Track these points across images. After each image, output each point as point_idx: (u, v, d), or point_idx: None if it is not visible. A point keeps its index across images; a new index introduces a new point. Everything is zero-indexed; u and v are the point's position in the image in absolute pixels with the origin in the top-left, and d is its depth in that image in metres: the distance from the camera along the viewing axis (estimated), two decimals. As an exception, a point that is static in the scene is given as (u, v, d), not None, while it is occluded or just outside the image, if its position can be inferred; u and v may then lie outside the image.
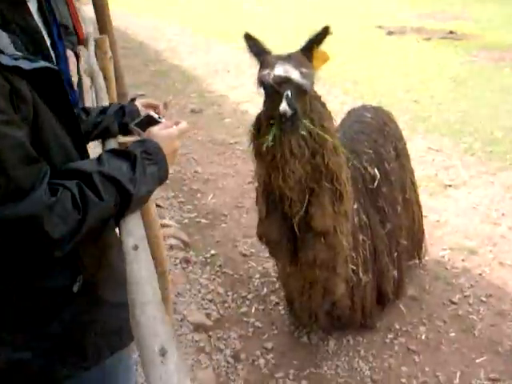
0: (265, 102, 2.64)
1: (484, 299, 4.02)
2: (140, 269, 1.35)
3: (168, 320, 1.23)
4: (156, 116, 1.86)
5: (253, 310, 4.05)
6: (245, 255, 4.71)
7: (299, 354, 3.61)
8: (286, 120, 2.41)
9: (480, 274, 4.29)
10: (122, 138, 1.92)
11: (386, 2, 19.51)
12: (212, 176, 6.31)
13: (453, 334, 3.69)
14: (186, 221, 5.29)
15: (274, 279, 4.36)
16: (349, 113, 4.02)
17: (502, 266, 4.41)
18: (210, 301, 4.11)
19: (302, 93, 2.52)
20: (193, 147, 7.13)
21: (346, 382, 3.39)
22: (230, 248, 4.83)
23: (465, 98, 8.77)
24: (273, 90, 2.48)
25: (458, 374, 3.39)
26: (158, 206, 5.11)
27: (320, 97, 2.78)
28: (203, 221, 5.30)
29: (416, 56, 11.55)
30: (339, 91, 9.56)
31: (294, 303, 3.57)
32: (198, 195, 5.85)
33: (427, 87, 9.52)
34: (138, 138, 1.77)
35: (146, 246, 1.47)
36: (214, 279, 4.39)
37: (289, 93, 2.40)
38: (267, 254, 4.61)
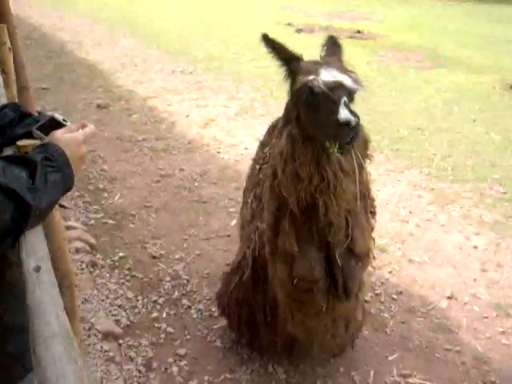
0: (307, 113, 2.31)
1: (395, 296, 4.19)
2: (42, 294, 1.20)
3: (76, 356, 1.07)
4: (60, 118, 1.67)
5: (164, 315, 3.97)
6: (154, 257, 4.62)
7: (213, 360, 3.58)
8: (350, 130, 2.14)
9: (390, 272, 4.46)
10: (20, 142, 1.72)
11: (294, 0, 19.84)
12: (119, 174, 6.16)
13: (366, 333, 3.80)
14: (93, 222, 5.12)
15: (185, 281, 4.31)
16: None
17: (411, 263, 4.61)
18: (119, 306, 3.99)
19: (352, 100, 2.29)
20: (99, 144, 6.92)
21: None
22: (138, 250, 4.73)
23: (372, 96, 9.08)
24: (325, 98, 2.21)
25: (372, 373, 3.50)
26: (61, 206, 4.90)
27: None
28: (110, 222, 5.15)
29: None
30: (249, 87, 9.66)
31: (298, 346, 3.28)
32: (105, 195, 5.69)
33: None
34: (40, 142, 1.58)
35: (49, 267, 1.33)
36: (122, 283, 4.27)
37: (345, 99, 2.17)
38: (177, 256, 4.63)
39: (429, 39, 13.46)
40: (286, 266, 2.60)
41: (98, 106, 8.58)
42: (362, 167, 2.46)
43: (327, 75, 2.24)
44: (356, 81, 2.28)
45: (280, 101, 8.56)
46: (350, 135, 2.15)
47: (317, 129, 2.29)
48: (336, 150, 2.23)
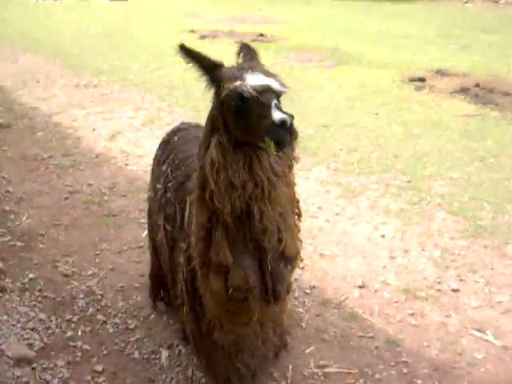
0: (237, 120, 2.29)
1: (308, 291, 4.32)
2: None
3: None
4: None
5: (79, 333, 3.91)
6: (66, 275, 4.54)
7: (132, 372, 3.57)
8: (287, 130, 2.16)
9: (303, 268, 4.58)
10: None
11: (196, 7, 19.87)
12: (25, 195, 5.99)
13: (284, 329, 3.89)
14: (-1, 246, 4.95)
15: (100, 296, 4.26)
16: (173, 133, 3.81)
17: (323, 257, 4.76)
18: (32, 329, 3.90)
19: (279, 103, 2.30)
20: (2, 165, 6.69)
21: (183, 393, 3.42)
22: (49, 269, 4.63)
23: (278, 97, 9.27)
24: (256, 102, 2.21)
25: (290, 367, 3.59)
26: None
27: None
28: (18, 243, 5.00)
29: (228, 59, 11.93)
30: (155, 97, 9.62)
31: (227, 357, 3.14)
32: (11, 216, 5.52)
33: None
34: None
35: None
36: (34, 305, 4.16)
37: (276, 101, 2.20)
38: (90, 272, 4.56)
39: (330, 38, 13.88)
40: (220, 277, 2.55)
41: (0, 125, 8.27)
42: (291, 169, 2.51)
43: (254, 79, 2.25)
44: (282, 83, 2.31)
45: (186, 109, 8.72)
46: (288, 135, 2.18)
47: (249, 134, 2.27)
48: (274, 150, 2.22)
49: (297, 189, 2.77)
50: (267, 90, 2.23)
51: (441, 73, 10.27)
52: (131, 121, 8.50)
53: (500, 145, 7.22)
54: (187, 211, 2.85)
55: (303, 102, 8.89)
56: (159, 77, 10.60)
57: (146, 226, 5.18)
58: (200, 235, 2.56)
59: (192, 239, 2.65)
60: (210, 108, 2.51)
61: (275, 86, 2.26)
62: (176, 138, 3.65)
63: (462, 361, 3.71)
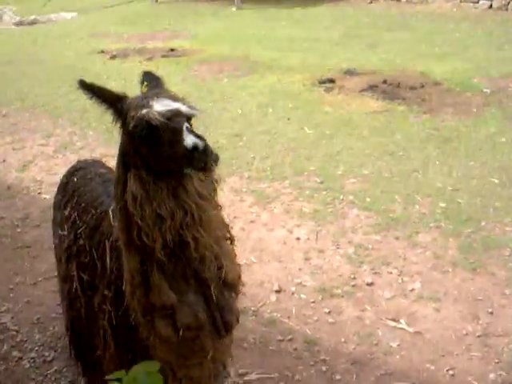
0: (150, 150, 2.20)
1: (227, 302, 4.36)
2: None
3: None
4: None
5: (-8, 374, 3.81)
6: (-27, 313, 4.41)
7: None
8: (201, 154, 2.09)
9: (220, 279, 4.62)
10: None
11: (105, 27, 19.67)
12: None
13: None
14: None
15: (14, 332, 4.18)
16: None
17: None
18: None
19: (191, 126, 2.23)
20: None
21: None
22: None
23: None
24: (166, 129, 2.13)
25: (212, 379, 3.62)
26: None
27: None
28: None
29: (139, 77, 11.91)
30: (67, 122, 9.47)
31: None
32: None
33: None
34: None
35: None
36: None
37: (188, 125, 2.14)
38: (4, 308, 4.45)
39: (240, 48, 14.03)
40: (167, 320, 2.39)
41: None
42: (216, 191, 2.43)
43: (160, 106, 2.18)
44: (190, 106, 2.25)
45: (99, 132, 8.63)
46: (204, 158, 2.11)
47: (166, 163, 2.19)
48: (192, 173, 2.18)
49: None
50: (176, 114, 2.17)
51: (349, 72, 10.58)
52: (43, 148, 8.33)
53: (408, 138, 7.53)
54: (108, 257, 2.70)
55: (215, 114, 8.97)
56: (70, 101, 10.41)
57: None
58: (135, 282, 2.40)
59: (127, 289, 2.47)
60: (119, 143, 2.41)
61: (184, 109, 2.21)
62: (76, 179, 3.46)
63: (379, 351, 3.86)
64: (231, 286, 2.59)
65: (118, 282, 2.56)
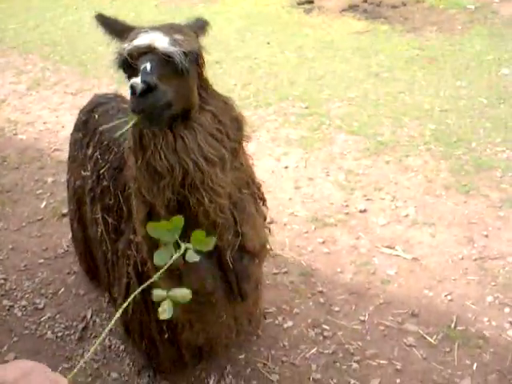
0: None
1: (217, 236, 4.18)
2: None
3: None
4: None
5: (-17, 324, 3.63)
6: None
7: (47, 354, 3.40)
8: (139, 98, 1.76)
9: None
10: None
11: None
12: None
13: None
14: None
15: (2, 280, 3.98)
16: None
17: (228, 199, 4.62)
18: None
19: (177, 69, 1.87)
20: None
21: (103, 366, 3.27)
22: None
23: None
24: (129, 69, 1.87)
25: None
26: None
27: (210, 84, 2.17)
28: None
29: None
30: (38, 57, 8.94)
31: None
32: None
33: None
34: None
35: None
36: None
37: (147, 65, 1.80)
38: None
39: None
40: (174, 282, 2.15)
41: None
42: (235, 152, 2.11)
43: (143, 39, 1.88)
44: (178, 44, 1.88)
45: (73, 65, 8.14)
46: (137, 104, 1.80)
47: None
48: (133, 123, 1.86)
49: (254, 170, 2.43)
50: (147, 50, 1.86)
51: (328, -8, 10.11)
52: (15, 86, 7.84)
53: (393, 58, 7.23)
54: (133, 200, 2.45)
55: (192, 40, 8.53)
56: (39, 35, 9.84)
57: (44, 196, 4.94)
58: (143, 234, 2.17)
59: (138, 237, 2.30)
60: None
61: (160, 44, 1.86)
62: (97, 116, 3.15)
63: (376, 280, 3.74)
64: (252, 253, 2.33)
65: None
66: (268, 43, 8.18)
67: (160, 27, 1.98)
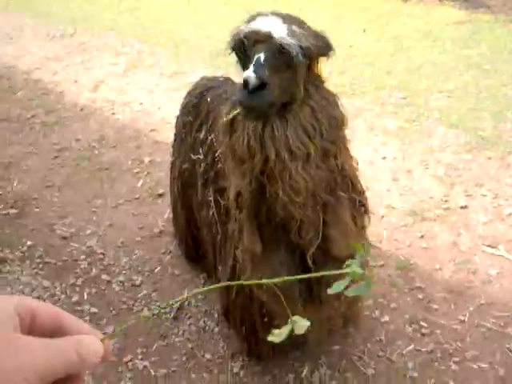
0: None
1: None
2: None
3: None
4: None
5: (85, 296, 3.73)
6: (65, 238, 4.32)
7: (143, 330, 3.41)
8: (250, 93, 1.71)
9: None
10: None
11: None
12: (13, 159, 5.66)
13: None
14: (-8, 216, 4.72)
15: (101, 255, 4.09)
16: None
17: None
18: (37, 298, 3.72)
19: (291, 62, 1.81)
20: (-16, 131, 6.35)
21: (197, 346, 3.30)
22: (47, 234, 4.39)
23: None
24: (241, 52, 1.83)
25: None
26: None
27: (323, 79, 2.09)
28: (12, 211, 4.74)
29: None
30: (134, 40, 9.17)
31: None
32: (1, 183, 5.24)
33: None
34: None
35: None
36: (36, 273, 3.96)
37: (262, 56, 1.73)
38: (88, 231, 4.35)
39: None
40: (253, 266, 2.16)
41: (-24, 89, 7.84)
42: (326, 152, 2.00)
43: (260, 23, 1.80)
44: (297, 35, 1.79)
45: (168, 48, 8.27)
46: (247, 100, 1.75)
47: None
48: (235, 115, 1.82)
49: (357, 174, 2.30)
50: (263, 38, 1.77)
51: (427, -20, 9.75)
52: (113, 68, 8.06)
53: (495, 50, 6.89)
54: None
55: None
56: (135, 18, 10.06)
57: (141, 175, 5.04)
58: (234, 213, 2.16)
59: (231, 211, 2.26)
60: None
61: (278, 34, 1.76)
62: (209, 99, 3.07)
63: (477, 279, 3.58)
64: (336, 259, 2.14)
65: None
66: (364, 31, 8.00)
67: (280, 14, 1.92)
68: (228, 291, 2.73)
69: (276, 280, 0.98)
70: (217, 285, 1.09)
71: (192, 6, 10.40)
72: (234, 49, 1.90)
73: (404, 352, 3.11)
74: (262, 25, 1.82)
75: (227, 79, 3.32)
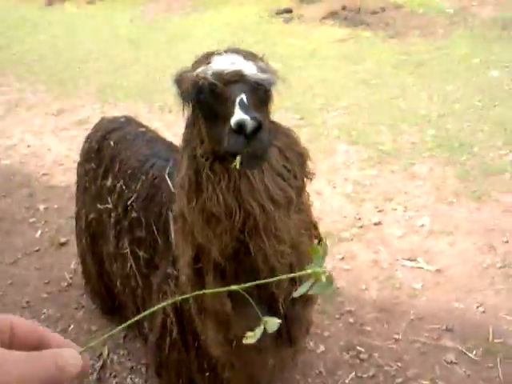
0: (204, 121, 1.70)
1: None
2: None
3: None
4: None
5: None
6: None
7: None
8: (251, 137, 1.53)
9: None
10: None
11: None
12: None
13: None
14: None
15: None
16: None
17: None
18: None
19: (264, 99, 1.71)
20: None
21: None
22: None
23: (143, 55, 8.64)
24: (217, 95, 1.61)
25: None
26: None
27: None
28: None
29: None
30: (13, 77, 8.68)
31: None
32: None
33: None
34: None
35: None
36: None
37: (243, 96, 1.56)
38: None
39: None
40: (220, 326, 1.98)
41: None
42: (300, 191, 1.88)
43: (221, 63, 1.65)
44: (265, 70, 1.69)
45: (51, 85, 7.84)
46: (245, 145, 1.57)
47: (215, 142, 1.67)
48: (238, 165, 1.58)
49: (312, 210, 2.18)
50: (236, 77, 1.63)
51: (306, 1, 10.02)
52: (-9, 110, 7.54)
53: (380, 65, 7.17)
54: (172, 230, 2.20)
55: (174, 54, 8.35)
56: (12, 54, 9.52)
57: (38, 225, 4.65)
58: (189, 276, 1.93)
59: (181, 277, 2.03)
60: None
61: (250, 71, 1.65)
62: (112, 143, 2.87)
63: (402, 295, 3.59)
64: (307, 299, 2.11)
65: None
66: (252, 54, 8.02)
67: (235, 50, 1.77)
68: (161, 345, 2.51)
69: (233, 287, 0.96)
70: (163, 304, 0.95)
71: (71, 40, 10.02)
72: (198, 94, 1.67)
73: (347, 381, 3.03)
74: (228, 64, 1.66)
75: (129, 119, 3.14)
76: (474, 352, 3.14)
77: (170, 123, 6.17)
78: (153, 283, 2.43)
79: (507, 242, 3.95)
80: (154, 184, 2.47)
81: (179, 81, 1.77)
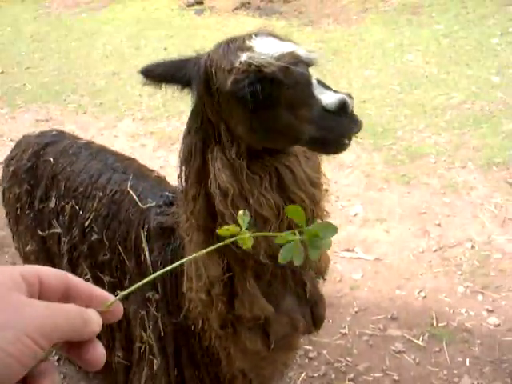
0: (254, 118, 1.49)
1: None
2: None
3: None
4: None
5: None
6: None
7: None
8: (350, 118, 1.42)
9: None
10: None
11: None
12: None
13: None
14: None
15: None
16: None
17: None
18: None
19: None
20: None
21: None
22: None
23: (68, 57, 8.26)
24: (277, 83, 1.42)
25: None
26: None
27: None
28: None
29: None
30: None
31: None
32: None
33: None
34: None
35: None
36: None
37: (313, 77, 1.44)
38: None
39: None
40: (258, 332, 1.85)
41: None
42: (321, 168, 1.79)
43: (266, 47, 1.47)
44: (309, 49, 1.57)
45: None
46: (353, 125, 1.46)
47: (280, 136, 1.53)
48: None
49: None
50: (296, 59, 1.46)
51: (215, -8, 9.92)
52: None
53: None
54: (146, 249, 2.03)
55: (83, 53, 8.03)
56: None
57: None
58: (215, 292, 1.77)
59: (195, 298, 1.86)
60: (192, 111, 1.68)
61: (301, 52, 1.50)
62: (51, 159, 2.55)
63: (344, 287, 3.59)
64: (322, 274, 2.07)
65: (168, 278, 1.98)
66: (165, 49, 7.87)
67: (265, 32, 1.62)
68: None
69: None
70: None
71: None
72: (253, 83, 1.46)
73: (298, 383, 2.98)
74: (276, 47, 1.50)
75: (61, 132, 2.84)
76: (420, 338, 3.18)
77: (86, 125, 5.92)
78: (128, 310, 2.16)
79: (439, 224, 4.03)
80: (114, 200, 2.24)
81: (204, 73, 1.59)
